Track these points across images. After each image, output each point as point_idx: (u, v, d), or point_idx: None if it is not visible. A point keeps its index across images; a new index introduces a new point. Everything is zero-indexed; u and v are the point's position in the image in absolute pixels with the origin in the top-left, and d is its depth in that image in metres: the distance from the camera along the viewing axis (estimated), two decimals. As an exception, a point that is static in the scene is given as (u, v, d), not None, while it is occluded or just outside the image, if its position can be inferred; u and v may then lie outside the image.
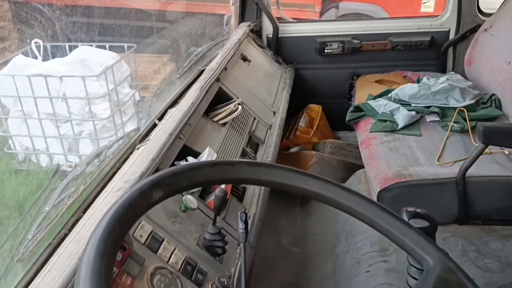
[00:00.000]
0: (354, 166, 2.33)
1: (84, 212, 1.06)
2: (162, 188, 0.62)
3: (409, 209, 1.14)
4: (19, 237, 0.96)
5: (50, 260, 0.90)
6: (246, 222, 0.94)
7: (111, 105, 2.55)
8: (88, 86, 2.48)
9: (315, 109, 2.82)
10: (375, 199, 1.75)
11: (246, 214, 0.95)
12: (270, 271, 1.79)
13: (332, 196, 0.73)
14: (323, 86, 2.87)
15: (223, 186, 1.10)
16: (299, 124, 2.66)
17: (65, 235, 0.99)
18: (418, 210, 1.17)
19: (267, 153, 1.73)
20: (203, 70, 1.90)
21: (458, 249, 1.50)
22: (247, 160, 1.55)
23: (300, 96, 2.75)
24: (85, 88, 2.43)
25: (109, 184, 1.17)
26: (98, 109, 2.59)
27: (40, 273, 0.87)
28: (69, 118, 2.55)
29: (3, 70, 2.57)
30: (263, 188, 1.49)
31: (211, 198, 1.26)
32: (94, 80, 2.56)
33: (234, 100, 1.76)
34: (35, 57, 2.72)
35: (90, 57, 2.68)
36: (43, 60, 2.75)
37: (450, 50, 2.74)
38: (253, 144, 1.74)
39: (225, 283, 1.00)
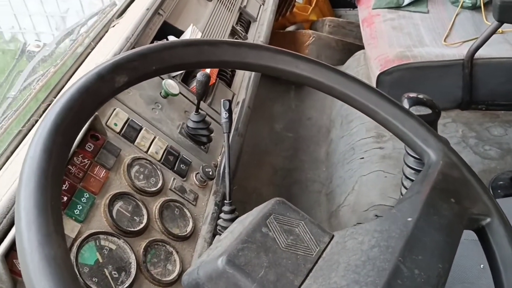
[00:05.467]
0: (353, 47, 2.19)
1: (55, 97, 0.96)
2: (127, 72, 0.52)
3: (411, 95, 1.03)
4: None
5: (19, 147, 0.83)
6: (229, 111, 0.85)
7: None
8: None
9: (314, -17, 2.58)
10: (374, 82, 1.65)
11: (229, 101, 0.86)
12: (263, 156, 1.75)
13: (324, 81, 0.65)
14: None
15: (207, 70, 0.99)
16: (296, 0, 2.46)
17: (36, 122, 0.90)
18: (420, 96, 1.06)
19: (259, 32, 1.58)
20: None
21: (458, 135, 1.44)
22: (229, 40, 1.42)
23: None
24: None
25: (82, 66, 1.06)
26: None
27: (9, 160, 0.80)
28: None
29: None
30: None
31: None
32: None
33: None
34: None
35: None
36: None
37: None
38: (244, 21, 1.59)
39: (210, 172, 0.94)
